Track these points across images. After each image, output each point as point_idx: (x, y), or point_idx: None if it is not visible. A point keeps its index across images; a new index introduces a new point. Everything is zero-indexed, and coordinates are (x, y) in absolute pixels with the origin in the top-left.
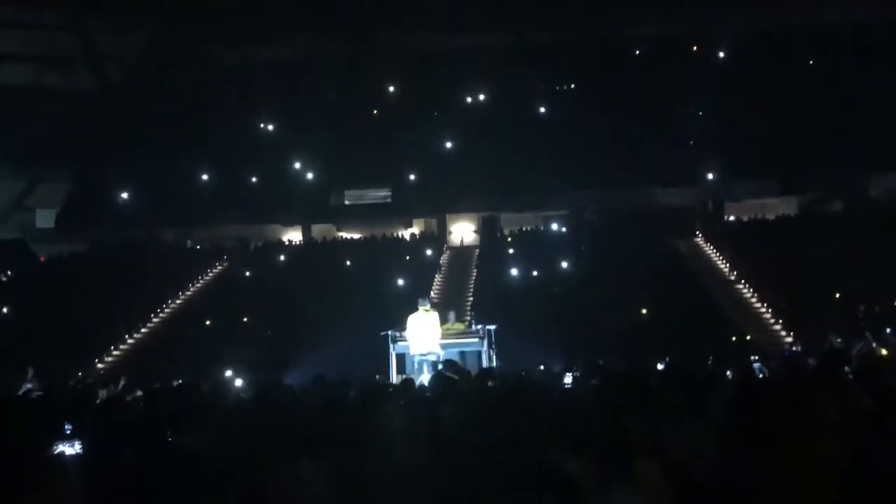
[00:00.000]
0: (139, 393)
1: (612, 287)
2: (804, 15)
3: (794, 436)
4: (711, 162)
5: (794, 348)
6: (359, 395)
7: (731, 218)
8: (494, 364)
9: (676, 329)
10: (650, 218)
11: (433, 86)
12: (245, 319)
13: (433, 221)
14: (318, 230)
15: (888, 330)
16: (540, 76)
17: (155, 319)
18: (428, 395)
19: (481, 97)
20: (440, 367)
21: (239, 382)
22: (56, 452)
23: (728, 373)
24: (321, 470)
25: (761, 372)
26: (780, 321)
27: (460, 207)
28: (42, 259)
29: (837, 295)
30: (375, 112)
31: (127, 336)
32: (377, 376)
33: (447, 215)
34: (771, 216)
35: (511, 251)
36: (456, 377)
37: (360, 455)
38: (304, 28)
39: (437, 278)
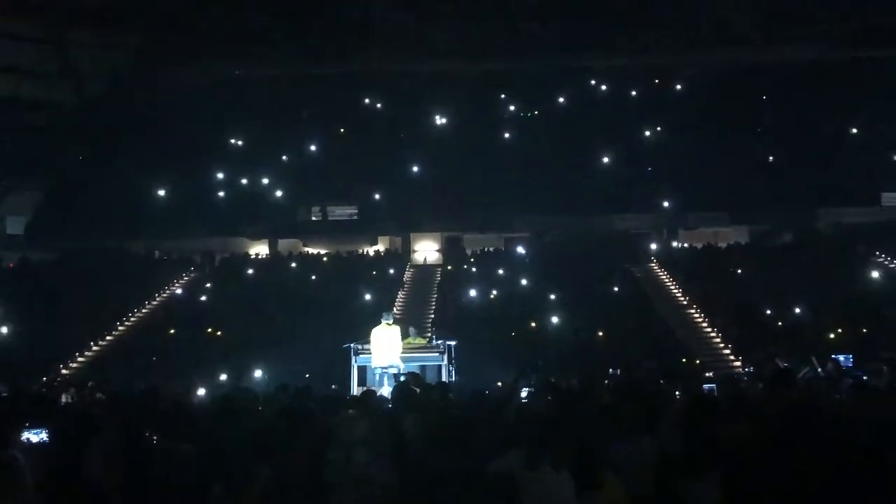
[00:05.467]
0: (101, 397)
1: (569, 308)
2: (758, 55)
3: (742, 454)
4: (667, 191)
5: (745, 369)
6: (321, 404)
7: (685, 245)
8: (454, 378)
9: (630, 350)
10: (608, 243)
11: (402, 108)
12: (209, 330)
13: (398, 239)
14: (284, 245)
15: (833, 356)
16: (505, 103)
17: (120, 327)
18: (388, 406)
19: (448, 121)
20: (402, 378)
21: (201, 391)
22: (23, 439)
23: (677, 393)
24: (281, 477)
25: (711, 393)
26: (729, 345)
27: (425, 227)
28: (10, 266)
29: (783, 322)
30: (342, 130)
31: (92, 343)
32: (332, 386)
33: (412, 234)
34: (723, 244)
35: (473, 271)
36: (417, 390)
37: (320, 463)
38: (278, 47)
39: (401, 294)
